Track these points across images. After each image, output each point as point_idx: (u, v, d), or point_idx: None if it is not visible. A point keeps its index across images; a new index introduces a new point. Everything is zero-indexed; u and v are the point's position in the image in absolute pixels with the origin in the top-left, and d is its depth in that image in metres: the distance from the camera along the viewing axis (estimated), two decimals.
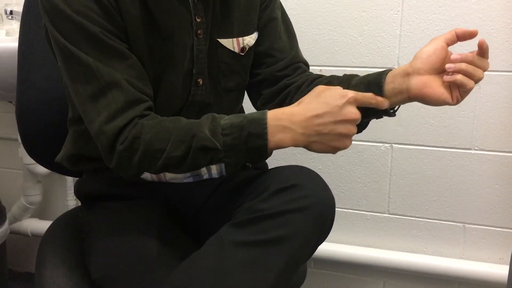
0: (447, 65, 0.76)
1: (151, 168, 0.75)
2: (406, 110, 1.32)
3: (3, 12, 1.48)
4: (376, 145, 1.38)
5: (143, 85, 0.78)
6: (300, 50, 0.99)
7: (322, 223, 0.73)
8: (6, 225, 1.51)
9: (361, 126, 0.89)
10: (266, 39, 0.95)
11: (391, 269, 1.40)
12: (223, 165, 0.73)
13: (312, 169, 0.79)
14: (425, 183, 1.36)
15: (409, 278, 1.43)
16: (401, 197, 1.39)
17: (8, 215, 1.63)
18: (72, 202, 1.67)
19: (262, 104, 0.97)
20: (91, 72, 0.74)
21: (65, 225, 1.00)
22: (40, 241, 0.96)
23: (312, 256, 0.79)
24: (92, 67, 0.74)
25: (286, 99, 0.93)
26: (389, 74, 0.80)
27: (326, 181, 0.77)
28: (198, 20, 0.84)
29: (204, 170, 0.74)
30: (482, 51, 0.75)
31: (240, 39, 0.91)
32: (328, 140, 0.73)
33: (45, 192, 1.73)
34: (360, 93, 0.75)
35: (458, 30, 0.77)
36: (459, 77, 0.75)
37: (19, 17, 1.08)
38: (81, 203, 0.99)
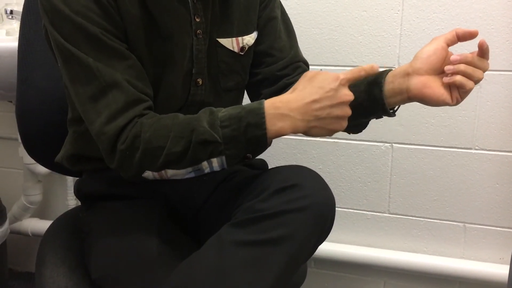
0: (446, 67, 0.76)
1: (152, 166, 0.75)
2: (407, 110, 1.32)
3: (3, 12, 1.48)
4: (377, 145, 1.38)
5: (143, 85, 0.78)
6: (300, 50, 0.99)
7: (322, 222, 0.73)
8: (6, 224, 1.51)
9: (361, 126, 0.89)
10: (266, 39, 0.95)
11: (392, 269, 1.40)
12: (224, 157, 0.73)
13: (312, 168, 0.79)
14: (425, 183, 1.36)
15: (409, 278, 1.42)
16: (402, 197, 1.39)
17: (9, 214, 1.63)
18: (72, 202, 1.67)
19: None
20: (91, 72, 0.74)
21: (65, 225, 1.01)
22: (40, 241, 0.96)
23: (312, 256, 0.79)
24: (92, 68, 0.74)
25: None
26: (389, 74, 0.80)
27: (326, 181, 0.77)
28: (198, 20, 0.84)
29: (205, 164, 0.74)
30: (482, 51, 0.75)
31: (240, 38, 0.91)
32: (326, 124, 0.73)
33: (45, 191, 1.73)
34: (349, 72, 0.74)
35: (459, 30, 0.77)
36: (458, 78, 0.75)
37: (19, 17, 1.08)
38: (81, 203, 0.99)
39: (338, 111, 0.73)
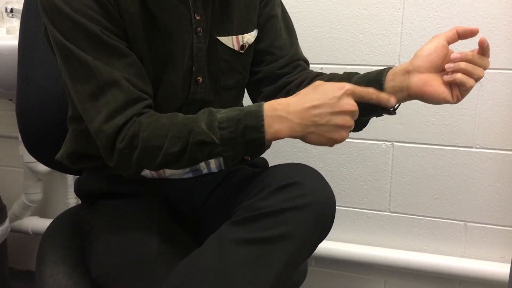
0: (447, 65, 0.76)
1: (150, 165, 0.75)
2: (407, 108, 1.32)
3: (3, 10, 1.48)
4: (377, 143, 1.38)
5: (143, 84, 0.78)
6: (300, 48, 0.99)
7: (322, 221, 0.73)
8: (6, 223, 1.51)
9: (361, 124, 0.88)
10: (266, 37, 0.95)
11: (392, 267, 1.40)
12: (221, 159, 0.73)
13: (313, 167, 0.78)
14: (426, 182, 1.36)
15: (410, 276, 1.42)
16: (402, 195, 1.39)
17: (9, 213, 1.63)
18: (72, 200, 1.67)
19: None
20: (90, 71, 0.74)
21: (66, 223, 1.01)
22: (40, 239, 0.96)
23: (313, 254, 0.79)
24: (91, 66, 0.74)
25: (286, 97, 0.92)
26: (390, 72, 0.80)
27: (326, 179, 0.77)
28: (198, 18, 0.84)
29: (203, 164, 0.74)
30: (483, 49, 0.75)
31: (240, 36, 0.91)
32: (324, 131, 0.72)
33: (46, 190, 1.73)
34: (359, 86, 0.74)
35: (459, 28, 0.77)
36: (458, 75, 0.75)
37: (20, 15, 1.08)
38: (81, 201, 0.99)
39: (338, 120, 0.72)
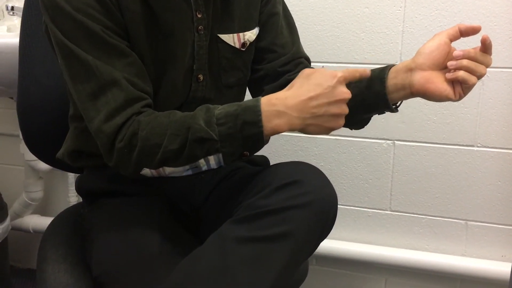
0: (449, 63, 0.76)
1: (149, 163, 0.75)
2: (409, 107, 1.32)
3: (4, 8, 1.48)
4: (378, 142, 1.38)
5: (143, 83, 0.78)
6: (301, 46, 0.99)
7: (324, 219, 0.72)
8: (7, 221, 1.51)
9: (363, 122, 0.88)
10: (268, 35, 0.94)
11: (393, 266, 1.40)
12: (220, 155, 0.73)
13: (314, 166, 0.78)
14: (427, 180, 1.36)
15: (411, 275, 1.42)
16: (403, 194, 1.39)
17: (10, 211, 1.63)
18: (73, 198, 1.67)
19: None
20: (90, 70, 0.74)
21: (67, 221, 1.01)
22: (41, 238, 0.96)
23: (314, 253, 0.79)
24: (92, 66, 0.73)
25: None
26: (392, 70, 0.80)
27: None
28: (199, 16, 0.84)
29: (202, 161, 0.74)
30: (485, 47, 0.75)
31: (241, 34, 0.91)
32: (323, 121, 0.73)
33: (47, 188, 1.73)
34: (346, 70, 0.74)
35: (461, 26, 0.77)
36: (461, 73, 0.75)
37: (20, 13, 1.08)
38: (82, 199, 0.99)
39: (335, 109, 0.72)
